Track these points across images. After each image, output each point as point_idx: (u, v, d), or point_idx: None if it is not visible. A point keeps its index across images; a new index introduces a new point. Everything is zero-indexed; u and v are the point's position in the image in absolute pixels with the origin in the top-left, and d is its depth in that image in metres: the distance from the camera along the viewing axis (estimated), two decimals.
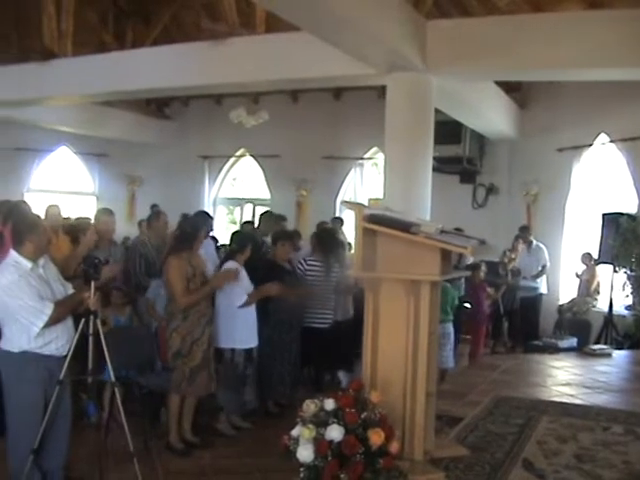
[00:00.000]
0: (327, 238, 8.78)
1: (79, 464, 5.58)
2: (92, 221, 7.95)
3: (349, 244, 11.25)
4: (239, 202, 18.94)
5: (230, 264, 7.05)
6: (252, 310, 7.08)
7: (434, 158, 9.73)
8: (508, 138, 14.08)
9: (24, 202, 8.34)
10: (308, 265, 8.33)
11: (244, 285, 7.00)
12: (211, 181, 18.70)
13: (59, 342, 5.10)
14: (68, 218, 8.85)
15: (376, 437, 4.32)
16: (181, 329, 6.43)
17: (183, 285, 6.41)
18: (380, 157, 15.48)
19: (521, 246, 12.79)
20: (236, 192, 19.28)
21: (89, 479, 5.47)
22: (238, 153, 18.36)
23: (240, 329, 6.93)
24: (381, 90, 11.65)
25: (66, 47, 12.66)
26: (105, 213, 7.91)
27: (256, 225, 10.45)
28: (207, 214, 8.51)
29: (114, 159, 19.01)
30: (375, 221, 4.90)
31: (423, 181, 9.16)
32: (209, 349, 6.57)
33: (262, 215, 10.42)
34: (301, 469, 4.35)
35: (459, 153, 13.78)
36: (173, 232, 7.79)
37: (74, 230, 7.46)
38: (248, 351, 7.03)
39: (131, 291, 7.80)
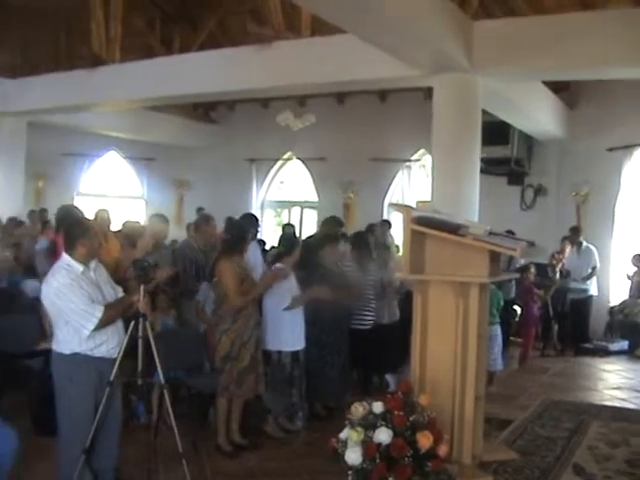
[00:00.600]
0: (359, 241, 8.76)
1: (129, 465, 5.62)
2: (142, 225, 8.01)
3: (397, 246, 11.22)
4: (286, 205, 18.98)
5: (278, 266, 7.06)
6: (299, 313, 7.07)
7: (481, 159, 9.67)
8: (557, 138, 13.90)
9: (75, 207, 8.46)
10: (344, 267, 8.32)
11: (290, 288, 7.00)
12: (258, 184, 18.76)
13: (109, 344, 5.15)
14: (127, 222, 8.94)
15: (425, 440, 4.30)
16: (230, 332, 6.45)
17: (238, 286, 6.45)
18: (427, 159, 15.40)
19: (569, 247, 12.61)
20: (283, 195, 19.32)
21: (138, 479, 5.53)
22: (285, 156, 18.40)
23: (286, 331, 6.93)
24: (427, 91, 11.62)
25: (114, 53, 12.84)
26: (160, 220, 7.98)
27: (316, 229, 10.44)
28: (254, 217, 8.52)
29: (162, 163, 19.18)
30: (423, 223, 4.89)
31: (471, 183, 9.10)
32: (257, 351, 6.59)
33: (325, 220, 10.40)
34: (349, 472, 4.35)
35: (507, 154, 13.64)
36: (221, 236, 7.82)
37: (131, 234, 7.55)
38: (295, 353, 7.03)
39: (176, 294, 7.85)
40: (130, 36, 13.58)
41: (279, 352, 6.91)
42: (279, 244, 7.76)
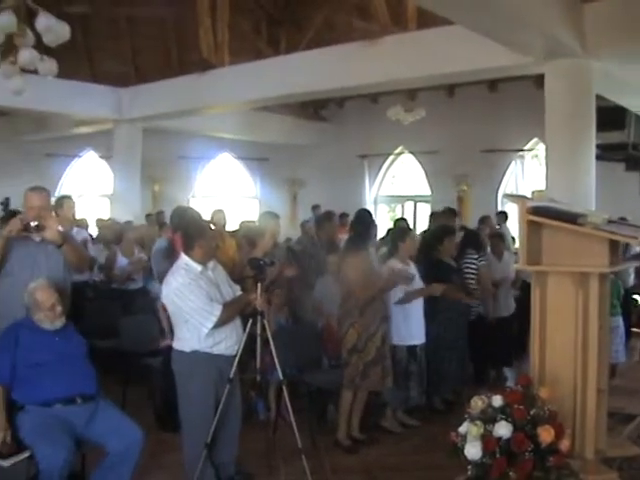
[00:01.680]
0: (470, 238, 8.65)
1: (249, 459, 5.72)
2: (261, 224, 8.12)
3: (513, 238, 11.04)
4: (400, 200, 18.93)
5: (391, 263, 7.02)
6: (417, 307, 7.02)
7: (597, 146, 9.39)
8: None
9: (191, 208, 8.66)
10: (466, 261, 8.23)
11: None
12: (371, 180, 18.79)
13: (228, 342, 5.25)
14: (243, 222, 9.08)
15: (546, 434, 4.21)
16: (357, 325, 6.47)
17: (364, 280, 6.46)
18: (541, 148, 15.10)
19: None
20: (396, 190, 19.28)
21: (259, 474, 5.61)
22: (396, 151, 18.37)
23: (403, 325, 6.91)
24: (539, 79, 11.36)
25: (223, 57, 13.10)
26: (271, 217, 8.07)
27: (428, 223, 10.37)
28: (368, 212, 8.49)
29: (274, 162, 19.44)
30: (540, 213, 4.78)
31: (587, 170, 8.86)
32: (384, 345, 6.57)
33: (439, 213, 10.33)
34: (469, 466, 4.29)
35: (623, 139, 13.19)
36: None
37: (250, 234, 7.68)
38: (411, 348, 7.00)
39: (294, 292, 7.91)
40: (237, 39, 13.84)
41: (394, 346, 6.89)
42: (387, 236, 7.65)
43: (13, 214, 10.51)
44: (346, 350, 6.51)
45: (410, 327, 6.95)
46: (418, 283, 7.06)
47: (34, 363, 4.75)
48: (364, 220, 6.95)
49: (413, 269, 7.15)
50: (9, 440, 4.44)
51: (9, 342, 4.79)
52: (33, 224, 5.20)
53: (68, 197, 8.64)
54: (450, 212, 10.18)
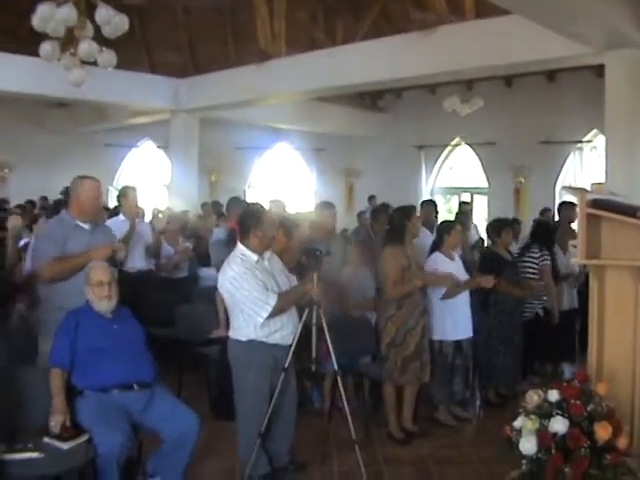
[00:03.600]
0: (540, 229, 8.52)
1: (303, 449, 5.75)
2: (312, 215, 8.11)
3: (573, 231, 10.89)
4: (456, 191, 18.82)
5: (436, 256, 6.98)
6: (463, 301, 6.97)
7: None
8: None
9: (244, 200, 8.70)
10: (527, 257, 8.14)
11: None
12: (428, 171, 18.71)
13: (284, 331, 5.27)
14: (300, 213, 9.13)
15: (603, 431, 4.14)
16: (395, 319, 6.44)
17: (396, 276, 6.43)
18: (600, 140, 14.86)
19: None
20: (453, 181, 19.16)
21: (312, 464, 5.64)
22: (454, 142, 18.25)
23: (448, 320, 6.86)
24: (598, 69, 11.19)
25: (280, 48, 13.14)
26: (325, 206, 8.07)
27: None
28: (413, 208, 8.37)
29: (331, 153, 19.45)
30: (599, 206, 4.71)
31: None
32: (422, 339, 6.54)
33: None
34: (523, 461, 4.25)
35: None
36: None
37: (287, 224, 7.71)
38: (457, 342, 6.96)
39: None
40: (294, 30, 13.86)
41: (441, 342, 6.85)
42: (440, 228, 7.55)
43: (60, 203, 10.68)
44: (385, 344, 6.50)
45: (456, 322, 6.90)
46: (463, 276, 7.01)
47: (93, 348, 4.82)
48: (395, 216, 6.89)
49: (458, 262, 7.10)
50: (69, 423, 4.52)
51: (69, 327, 4.88)
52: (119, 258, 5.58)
53: (132, 187, 8.73)
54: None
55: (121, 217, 8.37)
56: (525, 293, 7.76)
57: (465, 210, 11.15)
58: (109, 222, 8.34)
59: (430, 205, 9.66)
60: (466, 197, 18.19)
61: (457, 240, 7.22)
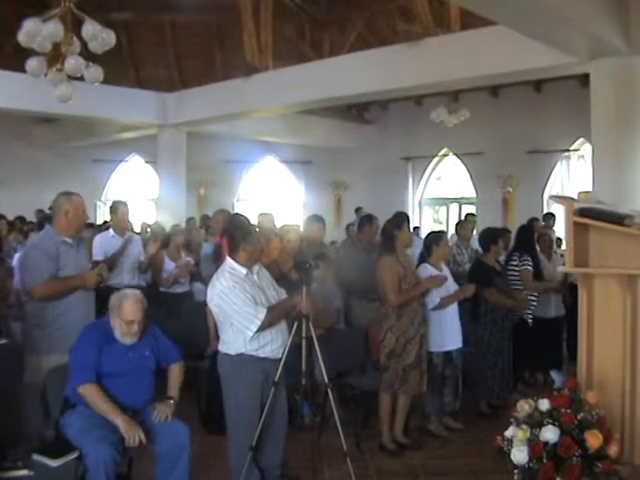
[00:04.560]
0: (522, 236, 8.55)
1: (295, 462, 5.72)
2: (300, 227, 8.11)
3: (559, 239, 10.93)
4: (444, 202, 18.87)
5: (424, 267, 6.98)
6: (452, 312, 6.97)
7: None
8: None
9: (236, 213, 8.68)
10: (510, 266, 8.17)
11: (439, 288, 6.90)
12: (415, 182, 18.77)
13: (273, 345, 5.25)
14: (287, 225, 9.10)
15: (594, 439, 4.16)
16: (395, 329, 6.43)
17: (395, 284, 6.43)
18: (587, 148, 14.94)
19: None
20: (441, 192, 19.21)
21: (304, 477, 5.61)
22: (441, 153, 18.31)
23: (438, 331, 6.85)
24: (583, 78, 11.25)
25: (267, 61, 13.18)
26: (315, 220, 8.07)
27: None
28: (404, 215, 8.37)
29: (319, 165, 19.50)
30: (586, 214, 4.74)
31: (634, 170, 8.71)
32: (422, 349, 6.53)
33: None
34: (515, 471, 4.26)
35: None
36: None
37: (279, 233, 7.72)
38: (447, 353, 6.96)
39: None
40: (281, 43, 13.92)
41: (430, 352, 6.85)
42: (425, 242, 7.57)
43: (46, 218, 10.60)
44: (384, 354, 6.48)
45: (444, 333, 6.89)
46: (452, 288, 7.02)
47: (101, 371, 4.76)
48: (385, 226, 6.90)
49: (446, 273, 7.11)
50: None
51: (92, 342, 4.79)
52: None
53: (123, 202, 8.71)
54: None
55: (111, 232, 8.33)
56: (518, 302, 7.77)
57: (436, 230, 11.14)
58: (98, 237, 8.33)
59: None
60: (454, 208, 18.25)
61: (446, 251, 7.24)
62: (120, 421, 4.55)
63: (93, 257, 7.55)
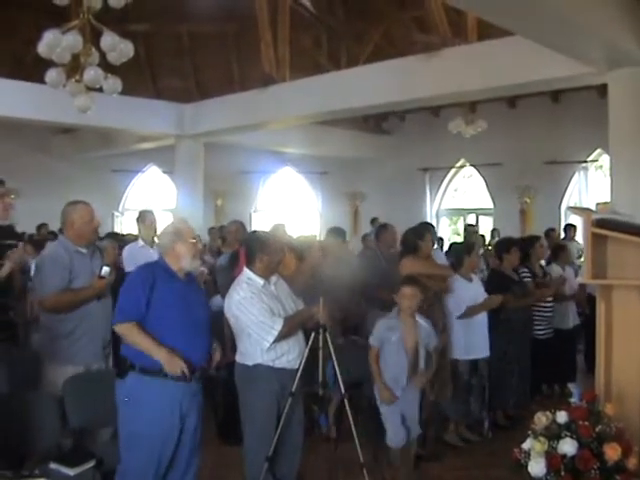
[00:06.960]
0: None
1: (311, 473, 5.71)
2: (318, 239, 8.11)
3: (580, 251, 10.89)
4: (461, 213, 18.83)
5: (454, 279, 6.95)
6: (480, 321, 6.95)
7: None
8: None
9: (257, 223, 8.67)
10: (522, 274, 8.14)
11: (466, 296, 6.88)
12: (432, 193, 18.72)
13: (290, 355, 5.24)
14: (300, 236, 9.08)
15: (612, 452, 4.12)
16: None
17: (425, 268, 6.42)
18: (605, 159, 14.87)
19: None
20: (458, 203, 19.17)
21: None
22: (458, 164, 18.28)
23: (464, 339, 6.83)
24: (602, 88, 11.21)
25: (284, 72, 13.20)
26: (337, 234, 8.07)
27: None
28: (429, 225, 8.40)
29: (336, 176, 19.48)
30: (605, 226, 4.71)
31: None
32: (443, 357, 6.47)
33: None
34: None
35: None
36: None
37: (299, 248, 7.68)
38: (473, 362, 6.93)
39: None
40: (298, 54, 13.94)
41: (456, 360, 6.82)
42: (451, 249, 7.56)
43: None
44: None
45: (472, 341, 6.88)
46: (481, 297, 6.99)
47: (165, 313, 4.57)
48: (410, 234, 6.90)
49: (477, 282, 7.08)
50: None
51: (145, 282, 4.56)
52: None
53: (150, 211, 8.68)
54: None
55: (140, 243, 8.26)
56: (537, 297, 7.74)
57: (467, 240, 11.14)
58: (128, 248, 8.22)
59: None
60: (471, 219, 18.21)
61: (476, 261, 7.21)
62: (161, 355, 4.43)
63: (125, 269, 7.50)
